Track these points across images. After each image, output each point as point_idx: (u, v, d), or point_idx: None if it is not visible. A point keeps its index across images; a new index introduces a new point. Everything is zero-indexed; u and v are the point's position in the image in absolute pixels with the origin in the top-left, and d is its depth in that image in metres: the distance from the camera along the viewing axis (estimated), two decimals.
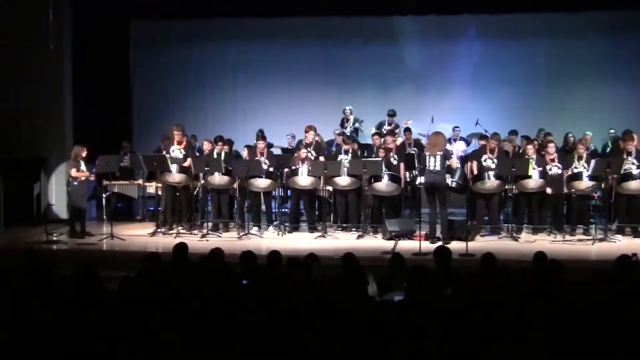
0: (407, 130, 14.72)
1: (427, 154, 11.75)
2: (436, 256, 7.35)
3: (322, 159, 12.96)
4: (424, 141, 14.92)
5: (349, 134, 14.80)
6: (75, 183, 12.42)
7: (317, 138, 13.56)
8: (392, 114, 15.52)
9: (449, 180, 11.96)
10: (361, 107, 16.15)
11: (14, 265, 6.97)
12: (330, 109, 16.43)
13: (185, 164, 12.78)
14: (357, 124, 15.68)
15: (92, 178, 12.92)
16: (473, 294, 5.82)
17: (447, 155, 11.76)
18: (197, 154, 13.56)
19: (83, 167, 12.46)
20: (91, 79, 15.74)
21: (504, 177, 12.19)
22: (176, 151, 13.00)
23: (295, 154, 12.97)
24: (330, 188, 12.89)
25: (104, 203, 14.18)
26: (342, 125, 15.62)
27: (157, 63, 17.87)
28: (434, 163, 11.64)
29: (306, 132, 13.33)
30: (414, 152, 13.81)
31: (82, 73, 15.30)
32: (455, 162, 12.08)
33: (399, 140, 14.03)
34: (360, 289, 6.24)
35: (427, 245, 10.87)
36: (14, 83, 14.41)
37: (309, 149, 13.02)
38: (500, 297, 5.70)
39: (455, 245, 10.68)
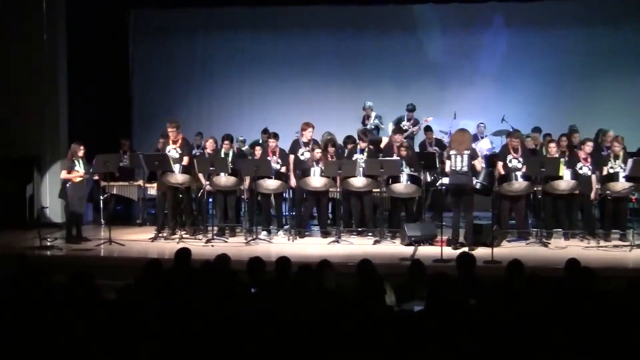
0: (428, 128, 14.68)
1: (452, 153, 11.62)
2: (459, 263, 7.33)
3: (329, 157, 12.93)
4: (445, 139, 14.90)
5: (370, 131, 14.84)
6: (68, 185, 12.45)
7: (328, 137, 13.56)
8: (411, 108, 15.51)
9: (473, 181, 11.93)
10: (379, 101, 16.15)
11: (3, 273, 6.97)
12: (346, 105, 16.51)
13: (184, 163, 12.79)
14: (377, 121, 15.69)
15: (96, 177, 13.03)
16: (499, 304, 5.80)
17: (474, 155, 11.68)
18: (198, 153, 13.58)
19: (79, 166, 12.48)
20: (88, 72, 15.80)
21: (532, 178, 12.15)
22: (172, 151, 12.98)
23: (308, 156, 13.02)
24: (344, 189, 12.89)
25: (101, 206, 14.20)
26: (363, 122, 15.65)
27: (158, 56, 17.95)
28: (460, 163, 11.52)
29: (303, 129, 13.26)
30: (435, 151, 13.82)
31: (78, 66, 15.36)
32: (481, 163, 12.03)
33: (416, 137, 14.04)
34: (377, 298, 6.23)
35: (449, 252, 10.89)
36: (3, 77, 14.46)
37: (308, 148, 13.05)
38: (529, 308, 5.67)
39: (480, 252, 10.69)
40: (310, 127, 13.20)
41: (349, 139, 13.42)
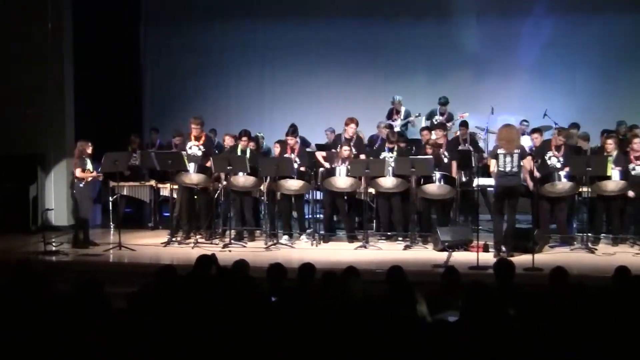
0: (463, 124, 14.65)
1: (500, 152, 11.35)
2: (497, 270, 7.29)
3: (363, 157, 12.96)
4: (481, 137, 14.84)
5: (399, 129, 14.81)
6: (81, 185, 12.50)
7: (360, 133, 13.62)
8: (444, 102, 15.48)
9: None
10: (410, 95, 16.11)
11: (4, 280, 7.01)
12: (375, 99, 16.51)
13: (207, 163, 12.83)
14: (410, 118, 15.62)
15: (102, 178, 13.05)
16: (540, 314, 5.77)
17: (524, 154, 11.54)
18: (216, 151, 13.62)
19: (89, 165, 12.54)
20: (96, 62, 15.92)
21: (577, 178, 12.07)
22: (194, 148, 13.06)
23: (334, 151, 13.03)
24: (372, 190, 12.91)
25: (110, 208, 14.28)
26: (390, 117, 15.61)
27: (172, 45, 18.03)
28: (510, 163, 11.28)
29: (347, 124, 13.31)
30: (469, 149, 13.75)
31: (85, 56, 15.45)
32: (530, 162, 11.91)
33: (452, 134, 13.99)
34: (408, 308, 6.21)
35: (486, 258, 10.84)
36: (3, 68, 14.52)
37: (350, 145, 13.04)
38: (573, 318, 5.64)
39: (520, 258, 10.65)
40: (354, 123, 13.23)
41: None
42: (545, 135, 13.78)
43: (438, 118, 15.40)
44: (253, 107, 17.65)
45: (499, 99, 16.12)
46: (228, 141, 13.45)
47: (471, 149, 13.98)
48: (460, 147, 13.83)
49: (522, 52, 16.88)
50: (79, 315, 5.73)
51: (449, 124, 15.19)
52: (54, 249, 12.38)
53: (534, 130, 13.60)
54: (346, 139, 13.20)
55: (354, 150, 13.03)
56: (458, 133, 14.46)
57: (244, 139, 13.06)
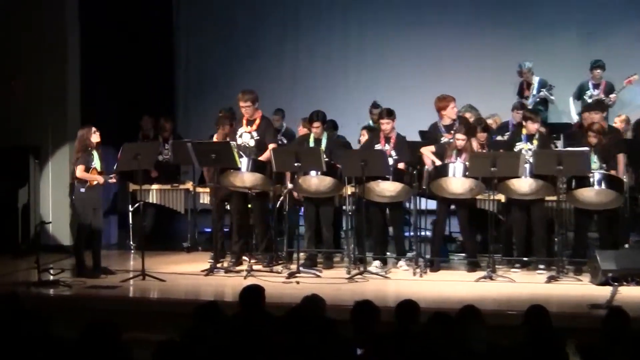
0: None
1: None
2: None
3: (477, 147, 12.92)
4: None
5: (531, 106, 14.74)
6: (83, 190, 12.56)
7: (468, 114, 13.64)
8: (599, 64, 15.25)
9: None
10: (548, 61, 16.18)
11: None
12: (497, 68, 16.65)
13: (262, 157, 12.84)
14: (544, 91, 15.54)
15: (113, 180, 13.07)
16: None
17: None
18: (283, 140, 13.67)
19: (96, 161, 12.58)
20: (109, 24, 16.16)
21: None
22: (245, 135, 13.08)
23: (445, 140, 13.04)
24: (501, 197, 12.87)
25: (130, 221, 14.45)
26: (521, 93, 15.61)
27: (214, 7, 18.43)
28: None
29: (442, 107, 13.28)
30: None
31: (94, 16, 15.61)
32: None
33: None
34: None
35: None
36: None
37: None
38: None
39: None
40: (452, 102, 13.21)
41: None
42: None
43: (592, 93, 15.30)
44: (330, 83, 17.91)
45: None
46: (303, 129, 13.63)
47: None
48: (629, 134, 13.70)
49: None
50: None
51: (610, 97, 15.01)
52: (51, 278, 12.40)
53: None
54: (445, 127, 13.25)
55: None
56: (622, 116, 14.29)
57: (317, 124, 13.00)
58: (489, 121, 14.03)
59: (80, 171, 12.45)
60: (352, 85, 17.61)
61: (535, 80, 15.65)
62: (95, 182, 12.54)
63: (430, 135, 13.46)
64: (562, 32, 17.17)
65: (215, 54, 18.42)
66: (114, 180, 13.01)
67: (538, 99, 15.53)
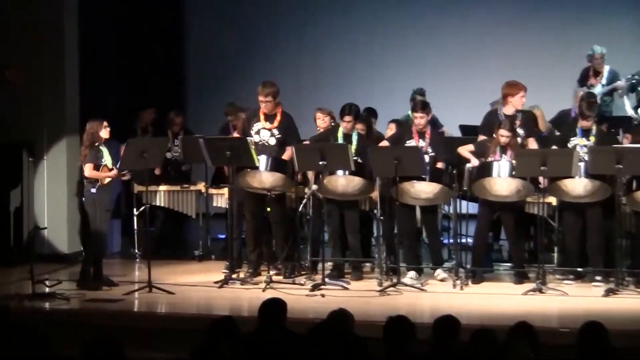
0: None
1: None
2: None
3: (533, 145, 12.85)
4: None
5: (599, 97, 14.66)
6: (94, 190, 12.52)
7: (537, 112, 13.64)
8: None
9: None
10: (614, 45, 15.97)
11: None
12: (554, 54, 16.88)
13: (285, 155, 12.81)
14: (618, 83, 15.40)
15: (127, 177, 13.20)
16: None
17: None
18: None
19: (106, 157, 12.57)
20: (114, 9, 16.25)
21: None
22: (264, 132, 12.99)
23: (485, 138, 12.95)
24: (552, 200, 12.73)
25: (135, 226, 14.49)
26: (584, 81, 15.45)
27: None
28: None
29: (510, 94, 12.99)
30: None
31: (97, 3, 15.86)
32: None
33: None
34: None
35: None
36: None
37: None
38: None
39: None
40: (522, 91, 12.96)
41: None
42: None
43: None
44: (359, 71, 18.03)
45: None
46: (321, 121, 13.55)
47: None
48: None
49: None
50: None
51: None
52: (47, 290, 12.42)
53: None
54: (507, 116, 12.97)
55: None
56: None
57: (348, 118, 12.96)
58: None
59: (89, 170, 12.48)
60: (366, 81, 17.65)
61: (606, 69, 15.52)
62: (107, 181, 12.54)
63: (486, 124, 13.23)
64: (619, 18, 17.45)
65: (231, 43, 18.73)
66: (127, 177, 13.16)
67: (607, 91, 15.44)
